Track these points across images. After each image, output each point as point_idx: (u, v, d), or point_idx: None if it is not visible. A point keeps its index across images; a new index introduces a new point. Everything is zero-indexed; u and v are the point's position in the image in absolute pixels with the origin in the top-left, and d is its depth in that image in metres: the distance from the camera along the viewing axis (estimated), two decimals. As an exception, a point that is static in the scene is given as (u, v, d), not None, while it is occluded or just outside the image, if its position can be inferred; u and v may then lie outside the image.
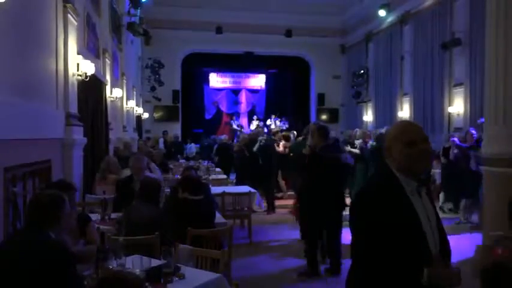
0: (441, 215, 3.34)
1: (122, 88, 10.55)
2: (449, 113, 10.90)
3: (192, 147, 14.96)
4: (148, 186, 4.11)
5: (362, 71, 15.90)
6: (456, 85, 10.83)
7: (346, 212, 4.84)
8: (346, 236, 3.69)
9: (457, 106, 10.74)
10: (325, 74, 18.15)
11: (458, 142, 7.64)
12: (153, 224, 3.70)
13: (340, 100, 18.20)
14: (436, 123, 11.52)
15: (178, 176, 7.09)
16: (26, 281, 2.12)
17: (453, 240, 2.19)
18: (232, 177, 10.70)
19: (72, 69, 5.48)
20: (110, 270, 2.52)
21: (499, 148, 3.69)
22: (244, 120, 19.42)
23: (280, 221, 7.95)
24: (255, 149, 9.17)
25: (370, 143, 8.76)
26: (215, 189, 6.02)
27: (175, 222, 4.05)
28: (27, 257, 2.15)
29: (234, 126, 17.44)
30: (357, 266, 1.88)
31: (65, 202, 2.47)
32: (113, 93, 9.06)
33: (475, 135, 7.41)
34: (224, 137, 13.81)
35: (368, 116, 15.84)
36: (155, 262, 2.86)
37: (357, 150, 8.95)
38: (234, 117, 18.68)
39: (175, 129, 16.70)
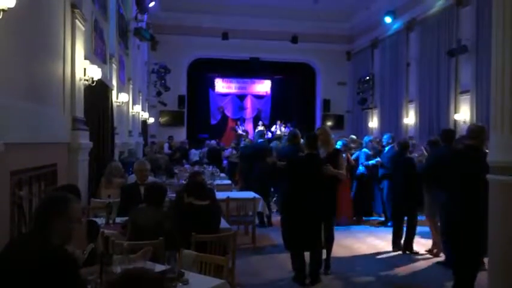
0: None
1: (128, 93, 10.60)
2: (456, 120, 10.83)
3: (192, 153, 14.73)
4: (154, 190, 4.12)
5: (368, 78, 15.89)
6: (462, 92, 10.77)
7: None
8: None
9: (463, 113, 10.68)
10: (330, 80, 18.13)
11: None
12: (158, 229, 3.71)
13: (345, 106, 18.17)
14: (442, 130, 11.45)
15: (183, 181, 7.11)
16: (26, 284, 2.10)
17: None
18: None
19: (79, 74, 5.52)
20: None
21: (505, 156, 3.66)
22: (249, 126, 19.42)
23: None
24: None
25: None
26: (219, 195, 6.02)
27: (180, 227, 4.04)
28: (26, 260, 2.13)
29: (240, 132, 17.46)
30: None
31: (67, 207, 2.37)
32: (119, 98, 9.10)
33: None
34: (214, 142, 14.07)
35: (373, 123, 15.80)
36: (159, 267, 2.86)
37: None
38: (239, 123, 18.70)
39: (180, 134, 16.74)
